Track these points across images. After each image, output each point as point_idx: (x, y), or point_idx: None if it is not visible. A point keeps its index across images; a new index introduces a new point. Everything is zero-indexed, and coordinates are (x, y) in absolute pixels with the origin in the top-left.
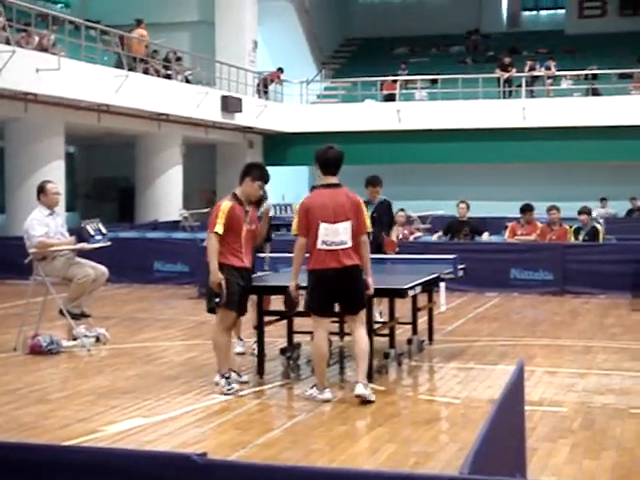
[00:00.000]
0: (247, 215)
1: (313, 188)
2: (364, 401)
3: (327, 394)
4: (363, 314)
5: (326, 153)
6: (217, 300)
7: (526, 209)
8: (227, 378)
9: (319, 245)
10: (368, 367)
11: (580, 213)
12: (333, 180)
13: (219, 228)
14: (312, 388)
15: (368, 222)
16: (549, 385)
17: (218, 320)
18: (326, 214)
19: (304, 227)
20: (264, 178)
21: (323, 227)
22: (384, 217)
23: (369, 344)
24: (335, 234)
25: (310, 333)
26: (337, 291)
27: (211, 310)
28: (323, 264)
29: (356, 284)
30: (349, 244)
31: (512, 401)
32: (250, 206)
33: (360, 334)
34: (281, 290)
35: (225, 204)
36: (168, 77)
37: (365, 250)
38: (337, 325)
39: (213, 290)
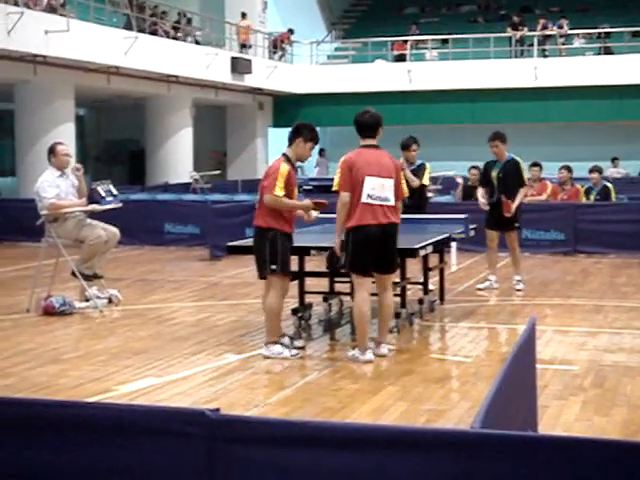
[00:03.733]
0: (296, 177)
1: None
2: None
3: (369, 355)
4: (393, 276)
5: (362, 117)
6: (273, 267)
7: (531, 166)
8: (283, 344)
9: (364, 199)
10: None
11: (591, 172)
12: (372, 142)
13: (279, 191)
14: (354, 349)
15: (405, 187)
16: (560, 344)
17: (275, 286)
18: (371, 169)
19: (348, 183)
20: (316, 139)
21: (370, 180)
22: (509, 178)
23: (393, 305)
24: (381, 189)
25: (321, 293)
26: (378, 249)
27: (263, 277)
28: (368, 220)
29: (395, 243)
30: (392, 202)
31: (524, 358)
32: None
33: (387, 295)
34: (292, 250)
35: (284, 167)
36: (177, 39)
37: (399, 209)
38: (349, 285)
39: (264, 256)
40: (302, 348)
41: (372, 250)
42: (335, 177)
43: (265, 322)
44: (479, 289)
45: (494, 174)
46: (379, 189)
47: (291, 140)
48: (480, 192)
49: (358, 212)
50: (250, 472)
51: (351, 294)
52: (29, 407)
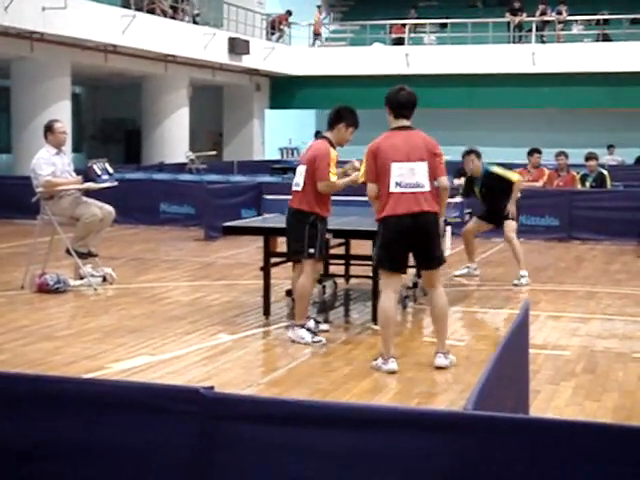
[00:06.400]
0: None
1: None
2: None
3: (392, 364)
4: (440, 271)
5: (397, 94)
6: (311, 251)
7: (533, 151)
8: (310, 329)
9: (392, 188)
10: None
11: (587, 159)
12: (406, 122)
13: (334, 177)
14: (377, 359)
15: (444, 168)
16: (553, 329)
17: (309, 270)
18: (398, 154)
19: (373, 172)
20: (356, 123)
21: (396, 166)
22: (494, 191)
23: (447, 306)
24: (411, 174)
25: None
26: (412, 242)
27: (297, 260)
28: (397, 210)
29: (434, 234)
30: (427, 188)
31: (517, 343)
32: None
33: (438, 294)
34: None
35: (333, 152)
36: (175, 18)
37: (444, 195)
38: (343, 268)
39: (302, 239)
40: (326, 331)
41: (403, 244)
42: (361, 168)
43: (295, 304)
44: (456, 276)
45: (476, 190)
46: (408, 175)
47: (331, 124)
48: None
49: (388, 202)
50: (244, 450)
51: (345, 276)
52: (22, 382)
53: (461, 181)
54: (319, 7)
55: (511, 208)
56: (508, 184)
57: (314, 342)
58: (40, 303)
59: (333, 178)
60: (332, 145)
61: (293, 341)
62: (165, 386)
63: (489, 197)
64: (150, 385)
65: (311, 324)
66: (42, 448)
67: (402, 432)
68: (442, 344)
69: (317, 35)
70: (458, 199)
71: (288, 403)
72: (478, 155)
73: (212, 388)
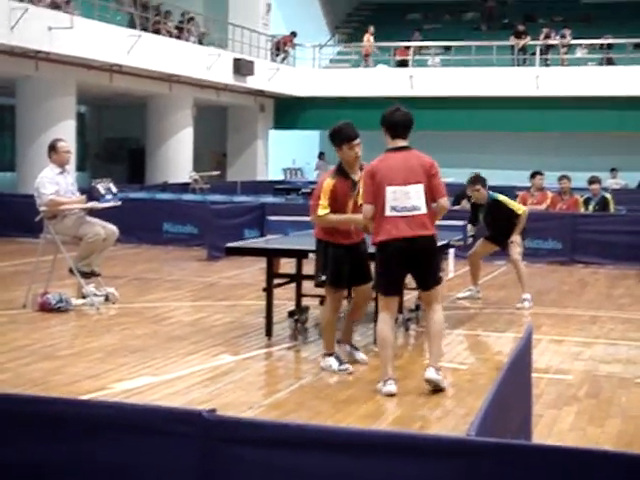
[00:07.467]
0: (355, 186)
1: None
2: (435, 389)
3: (389, 386)
4: (439, 291)
5: (393, 114)
6: (322, 278)
7: (535, 174)
8: (338, 357)
9: (388, 212)
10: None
11: (591, 183)
12: (402, 143)
13: (322, 211)
14: (380, 383)
15: (443, 187)
16: (556, 353)
17: (328, 299)
18: (393, 177)
19: (370, 193)
20: (344, 138)
21: (390, 190)
22: (499, 219)
23: (443, 324)
24: (405, 198)
25: (318, 297)
26: (409, 266)
27: (317, 285)
28: (392, 234)
29: (431, 257)
30: (423, 210)
31: (520, 367)
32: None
33: (434, 309)
34: (290, 253)
35: (327, 182)
36: (180, 38)
37: (441, 215)
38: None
39: (316, 265)
40: (364, 363)
41: (399, 268)
42: (360, 191)
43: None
44: (459, 298)
45: (481, 216)
46: (403, 199)
47: (336, 148)
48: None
49: (382, 227)
50: (244, 473)
51: (348, 298)
52: (25, 403)
53: (463, 205)
54: (367, 29)
55: (516, 239)
56: (513, 213)
57: (340, 370)
58: (42, 322)
59: (322, 211)
60: (343, 172)
61: (323, 369)
62: (166, 408)
63: (493, 225)
64: (152, 407)
65: (346, 349)
66: (42, 470)
67: (403, 457)
68: (435, 359)
69: (367, 56)
70: (461, 222)
71: (289, 427)
72: (484, 183)
73: (214, 411)
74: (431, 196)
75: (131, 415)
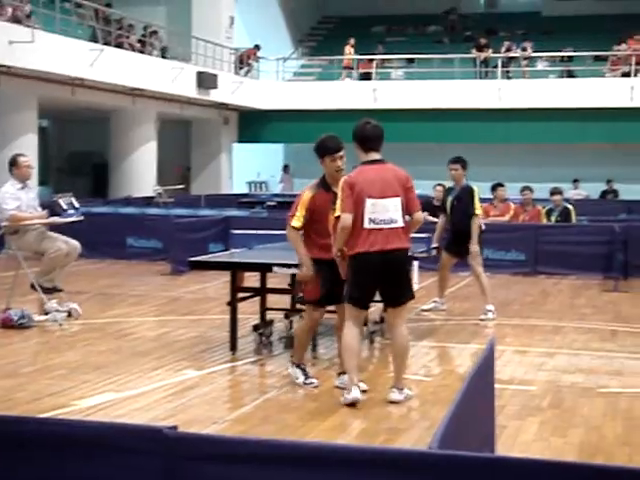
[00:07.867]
0: (337, 199)
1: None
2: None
3: (354, 393)
4: (407, 308)
5: (364, 128)
6: (300, 296)
7: (497, 186)
8: (304, 371)
9: (366, 224)
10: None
11: (553, 194)
12: (376, 156)
13: (296, 222)
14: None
15: (417, 201)
16: (519, 364)
17: (305, 314)
18: (373, 189)
19: (350, 203)
20: (326, 151)
21: (370, 203)
22: (461, 204)
23: (409, 342)
24: (384, 210)
25: (282, 310)
26: (382, 279)
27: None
28: (368, 247)
29: (402, 271)
30: (400, 223)
31: (482, 379)
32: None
33: (400, 331)
34: (254, 267)
35: (306, 194)
36: (143, 52)
37: (413, 229)
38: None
39: (300, 282)
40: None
41: (373, 281)
42: (337, 203)
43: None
44: (423, 310)
45: (449, 200)
46: (381, 211)
47: (321, 160)
48: (440, 221)
49: (359, 238)
50: None
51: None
52: None
53: (425, 217)
54: (348, 41)
55: (474, 248)
56: (472, 210)
57: (306, 384)
58: (4, 339)
59: (295, 222)
60: (325, 184)
61: (289, 374)
62: (128, 425)
63: (456, 209)
64: (113, 425)
65: (301, 370)
66: None
67: (368, 471)
68: (398, 380)
69: (347, 68)
70: (425, 235)
71: (251, 442)
72: (464, 165)
73: (175, 428)
74: (406, 209)
75: (92, 432)
